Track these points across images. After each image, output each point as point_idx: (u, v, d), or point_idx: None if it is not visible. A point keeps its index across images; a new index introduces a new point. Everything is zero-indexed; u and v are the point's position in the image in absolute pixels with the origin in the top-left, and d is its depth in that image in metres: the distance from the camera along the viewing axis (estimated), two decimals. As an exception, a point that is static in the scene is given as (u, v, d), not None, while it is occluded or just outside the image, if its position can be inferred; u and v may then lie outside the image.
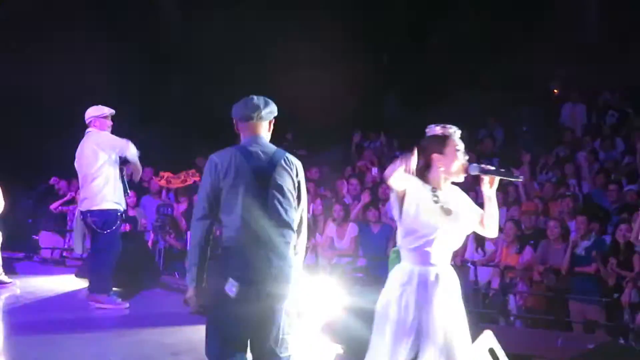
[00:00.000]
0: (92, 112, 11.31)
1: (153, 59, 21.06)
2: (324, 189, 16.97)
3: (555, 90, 21.91)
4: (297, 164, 6.41)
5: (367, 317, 9.67)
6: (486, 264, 12.63)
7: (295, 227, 6.33)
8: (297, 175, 6.34)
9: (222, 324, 6.14)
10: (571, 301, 11.64)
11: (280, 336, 6.21)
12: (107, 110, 11.32)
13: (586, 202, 13.91)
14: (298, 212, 6.37)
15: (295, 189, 6.34)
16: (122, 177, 11.31)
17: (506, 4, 21.43)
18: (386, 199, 14.66)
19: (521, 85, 20.53)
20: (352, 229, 14.14)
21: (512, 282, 12.30)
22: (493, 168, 6.06)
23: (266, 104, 6.40)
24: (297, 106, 18.58)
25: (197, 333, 10.57)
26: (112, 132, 11.34)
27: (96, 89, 15.79)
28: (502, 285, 12.25)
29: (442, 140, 6.03)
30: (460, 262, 12.55)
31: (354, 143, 20.78)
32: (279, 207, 6.17)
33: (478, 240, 12.73)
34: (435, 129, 6.08)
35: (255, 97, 6.40)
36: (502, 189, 14.63)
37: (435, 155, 6.01)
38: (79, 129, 11.49)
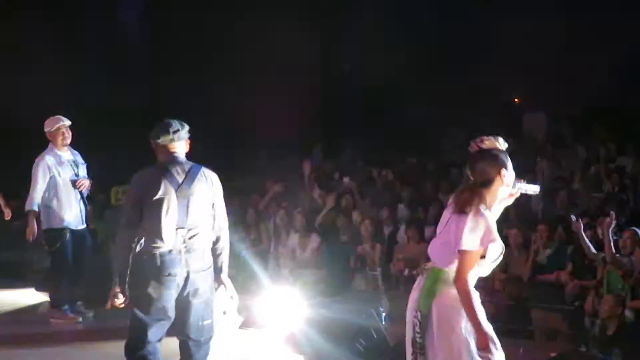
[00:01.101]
0: (46, 126, 11.15)
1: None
2: (285, 200, 16.96)
3: (516, 100, 22.03)
4: (213, 177, 7.18)
5: (328, 328, 9.70)
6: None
7: (214, 232, 7.16)
8: (212, 186, 7.11)
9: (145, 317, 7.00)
10: (533, 309, 11.67)
11: (200, 323, 7.17)
12: (57, 123, 11.13)
13: (549, 210, 13.99)
14: (217, 219, 7.15)
15: (211, 199, 7.11)
16: (76, 191, 11.20)
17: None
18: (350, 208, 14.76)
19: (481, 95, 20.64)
20: (314, 240, 14.14)
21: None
22: (525, 184, 5.88)
23: (182, 126, 7.17)
24: (259, 115, 18.63)
25: (162, 346, 10.57)
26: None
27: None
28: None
29: (506, 155, 5.74)
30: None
31: (315, 155, 20.74)
32: (198, 216, 6.99)
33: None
34: (498, 141, 5.74)
35: (172, 121, 7.16)
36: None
37: (503, 171, 5.69)
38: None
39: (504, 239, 12.36)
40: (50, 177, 10.91)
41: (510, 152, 5.83)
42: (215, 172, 7.26)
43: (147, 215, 6.89)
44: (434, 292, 5.69)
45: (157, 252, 6.87)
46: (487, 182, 5.66)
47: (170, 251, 6.90)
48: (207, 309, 7.30)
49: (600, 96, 19.47)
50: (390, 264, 13.00)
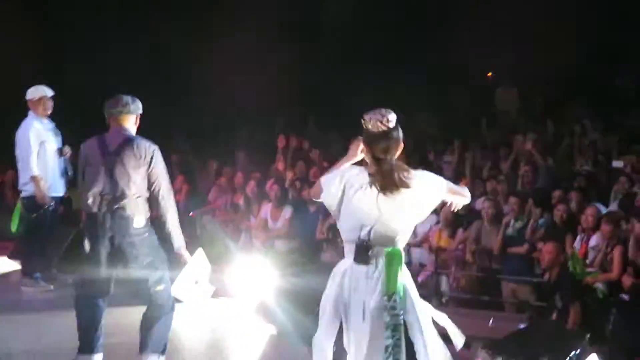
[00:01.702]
0: (28, 94, 11.18)
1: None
2: (255, 171, 16.95)
3: (489, 74, 22.07)
4: (148, 149, 7.48)
5: (299, 298, 9.73)
6: (419, 245, 12.67)
7: (156, 202, 7.59)
8: (144, 157, 7.43)
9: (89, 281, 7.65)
10: (503, 282, 11.75)
11: (152, 290, 7.53)
12: (40, 93, 11.18)
13: (523, 184, 14.06)
14: (156, 191, 7.54)
15: (143, 170, 7.46)
16: (61, 159, 11.23)
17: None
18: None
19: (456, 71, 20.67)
20: (286, 211, 14.16)
21: (445, 263, 12.37)
22: None
23: (133, 101, 7.67)
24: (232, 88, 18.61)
25: (129, 314, 10.58)
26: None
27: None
28: (435, 266, 12.32)
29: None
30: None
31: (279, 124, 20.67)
32: (124, 183, 7.40)
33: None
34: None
35: (124, 96, 7.64)
36: (436, 172, 14.72)
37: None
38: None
39: (477, 212, 12.51)
40: (41, 143, 10.96)
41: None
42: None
43: (84, 180, 7.57)
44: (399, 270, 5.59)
45: (87, 214, 7.51)
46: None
47: (95, 214, 7.42)
48: (155, 275, 7.52)
49: (577, 74, 19.59)
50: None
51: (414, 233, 12.63)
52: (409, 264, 12.46)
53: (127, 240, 7.43)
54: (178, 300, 11.37)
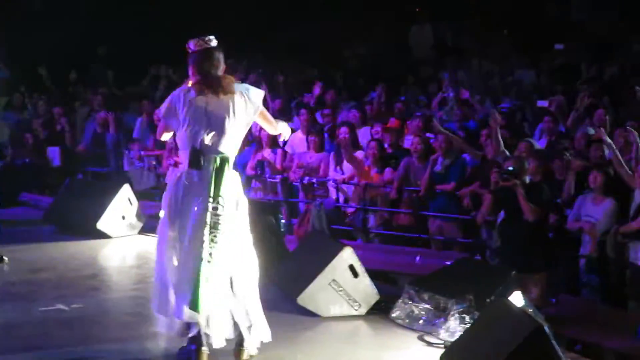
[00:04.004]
0: None
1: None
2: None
3: (418, 9, 22.00)
4: None
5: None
6: (347, 182, 12.65)
7: None
8: None
9: None
10: (430, 219, 11.81)
11: None
12: None
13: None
14: None
15: None
16: None
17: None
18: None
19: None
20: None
21: (373, 200, 12.39)
22: None
23: None
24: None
25: (57, 249, 10.53)
26: None
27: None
28: (362, 203, 12.35)
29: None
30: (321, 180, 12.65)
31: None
32: None
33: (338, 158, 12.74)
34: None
35: None
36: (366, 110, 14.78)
37: None
38: None
39: (407, 149, 12.55)
40: None
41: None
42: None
43: None
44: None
45: None
46: None
47: None
48: None
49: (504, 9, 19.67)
50: (289, 171, 12.92)
51: (342, 169, 12.64)
52: (336, 200, 12.55)
53: None
54: (105, 235, 11.36)
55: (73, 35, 19.04)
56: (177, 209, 6.36)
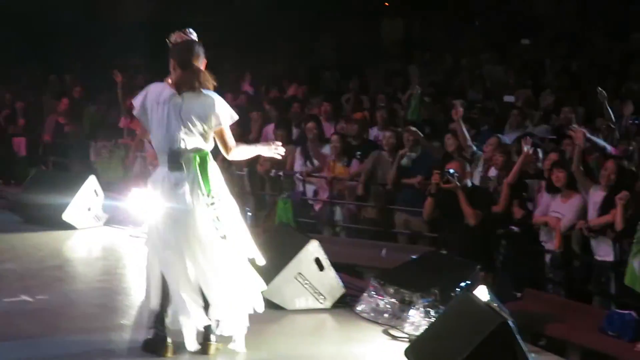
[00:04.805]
0: None
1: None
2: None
3: (387, 3, 22.09)
4: None
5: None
6: (314, 175, 12.64)
7: None
8: None
9: None
10: (397, 212, 11.82)
11: None
12: None
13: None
14: None
15: None
16: None
17: None
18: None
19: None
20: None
21: (340, 193, 12.41)
22: None
23: None
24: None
25: (21, 240, 10.48)
26: None
27: None
28: (329, 196, 12.35)
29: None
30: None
31: None
32: None
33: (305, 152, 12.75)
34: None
35: None
36: (334, 104, 14.80)
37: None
38: None
39: (371, 142, 12.57)
40: None
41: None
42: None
43: None
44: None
45: None
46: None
47: None
48: None
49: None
50: (256, 164, 12.90)
51: (312, 163, 12.64)
52: (303, 193, 12.55)
53: None
54: (71, 226, 11.30)
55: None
56: (170, 212, 6.31)
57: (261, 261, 6.63)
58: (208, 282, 6.32)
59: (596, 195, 9.57)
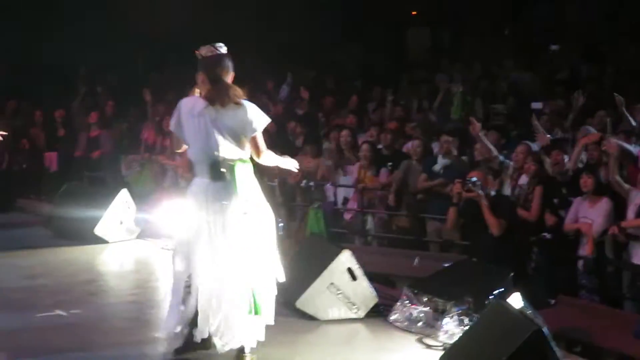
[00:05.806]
0: None
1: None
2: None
3: (414, 12, 22.09)
4: None
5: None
6: (344, 185, 12.64)
7: None
8: None
9: None
10: (428, 221, 11.79)
11: None
12: None
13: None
14: None
15: None
16: None
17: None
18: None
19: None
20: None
21: (371, 202, 12.39)
22: None
23: None
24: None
25: (54, 255, 10.51)
26: None
27: None
28: (360, 205, 12.34)
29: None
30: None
31: None
32: None
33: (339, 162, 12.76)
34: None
35: None
36: (360, 113, 14.82)
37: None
38: None
39: (400, 152, 12.54)
40: None
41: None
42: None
43: None
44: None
45: None
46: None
47: None
48: None
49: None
50: (288, 175, 12.89)
51: (344, 171, 12.63)
52: (334, 203, 12.54)
53: None
54: (103, 240, 11.35)
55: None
56: (209, 220, 6.40)
57: (282, 278, 6.61)
58: (233, 289, 6.34)
59: (638, 198, 9.50)
